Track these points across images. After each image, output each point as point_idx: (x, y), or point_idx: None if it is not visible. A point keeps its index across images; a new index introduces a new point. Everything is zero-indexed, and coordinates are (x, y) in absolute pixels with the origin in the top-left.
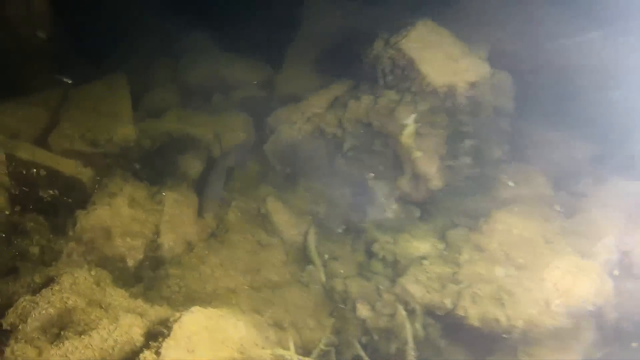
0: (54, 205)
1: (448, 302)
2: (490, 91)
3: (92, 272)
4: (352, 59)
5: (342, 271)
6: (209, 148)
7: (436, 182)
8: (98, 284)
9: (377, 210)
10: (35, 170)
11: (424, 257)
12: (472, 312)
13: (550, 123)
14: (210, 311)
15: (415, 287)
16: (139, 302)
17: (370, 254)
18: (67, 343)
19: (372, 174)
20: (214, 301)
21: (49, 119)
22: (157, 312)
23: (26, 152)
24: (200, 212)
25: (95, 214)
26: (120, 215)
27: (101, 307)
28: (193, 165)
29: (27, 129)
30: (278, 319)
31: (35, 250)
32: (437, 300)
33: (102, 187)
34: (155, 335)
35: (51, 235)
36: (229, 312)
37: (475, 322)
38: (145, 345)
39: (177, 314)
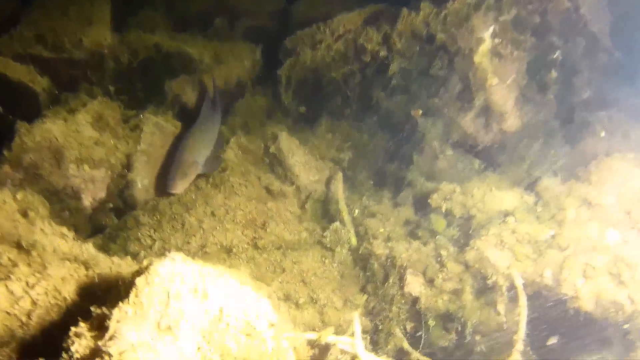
0: None
1: (548, 276)
2: (592, 9)
3: (18, 196)
4: None
5: (382, 230)
6: (204, 77)
7: (512, 122)
8: (24, 214)
9: (425, 157)
10: None
11: (509, 213)
12: (585, 292)
13: None
14: (200, 265)
15: (498, 253)
16: (87, 247)
17: (423, 210)
18: None
19: (421, 110)
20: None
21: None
22: (113, 264)
23: None
24: (169, 181)
25: (43, 127)
26: (78, 135)
27: (21, 248)
28: (185, 92)
29: None
30: (290, 292)
31: None
32: (532, 272)
33: (60, 104)
34: (103, 297)
35: None
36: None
37: (589, 306)
38: (83, 313)
39: (144, 263)
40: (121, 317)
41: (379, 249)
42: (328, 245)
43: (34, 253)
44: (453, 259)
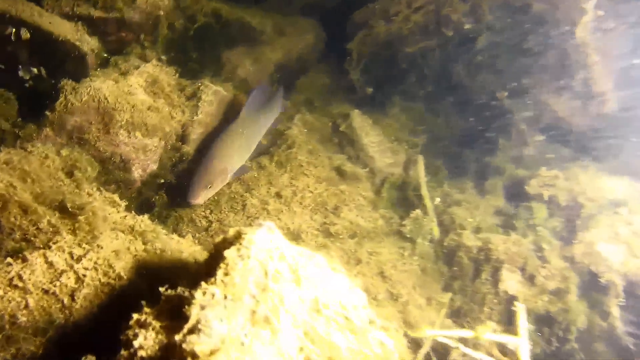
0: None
1: None
2: None
3: (63, 152)
4: None
5: (470, 220)
6: (264, 49)
7: (611, 105)
8: (69, 173)
9: (513, 143)
10: (13, 29)
11: (620, 203)
12: None
13: None
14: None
15: (612, 248)
16: (143, 219)
17: (517, 198)
18: None
19: (505, 92)
20: None
21: None
22: (176, 241)
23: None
24: (190, 189)
25: (91, 86)
26: (131, 98)
27: (65, 211)
28: (243, 65)
29: None
30: (367, 286)
31: None
32: None
33: (110, 66)
34: (170, 278)
35: (19, 119)
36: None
37: None
38: (144, 296)
39: (231, 232)
40: (206, 302)
41: (469, 240)
42: (408, 236)
43: (80, 218)
44: (557, 254)
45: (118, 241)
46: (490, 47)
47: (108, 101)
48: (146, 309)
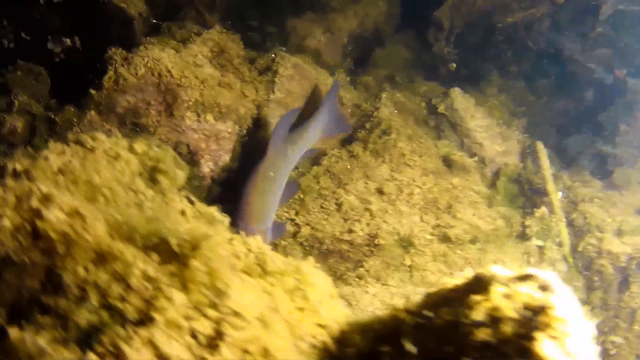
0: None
1: None
2: None
3: (139, 148)
4: None
5: (609, 220)
6: (336, 17)
7: None
8: (152, 181)
9: (636, 128)
10: None
11: None
12: None
13: None
14: None
15: None
16: (270, 253)
17: None
18: None
19: (624, 70)
20: None
21: None
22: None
23: None
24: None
25: (150, 55)
26: (198, 71)
27: (165, 253)
28: (313, 35)
29: None
30: None
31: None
32: None
33: (162, 34)
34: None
35: (52, 100)
36: None
37: None
38: None
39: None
40: None
41: (613, 245)
42: (533, 239)
43: (194, 263)
44: None
45: (253, 296)
46: (614, 16)
47: (172, 75)
48: None
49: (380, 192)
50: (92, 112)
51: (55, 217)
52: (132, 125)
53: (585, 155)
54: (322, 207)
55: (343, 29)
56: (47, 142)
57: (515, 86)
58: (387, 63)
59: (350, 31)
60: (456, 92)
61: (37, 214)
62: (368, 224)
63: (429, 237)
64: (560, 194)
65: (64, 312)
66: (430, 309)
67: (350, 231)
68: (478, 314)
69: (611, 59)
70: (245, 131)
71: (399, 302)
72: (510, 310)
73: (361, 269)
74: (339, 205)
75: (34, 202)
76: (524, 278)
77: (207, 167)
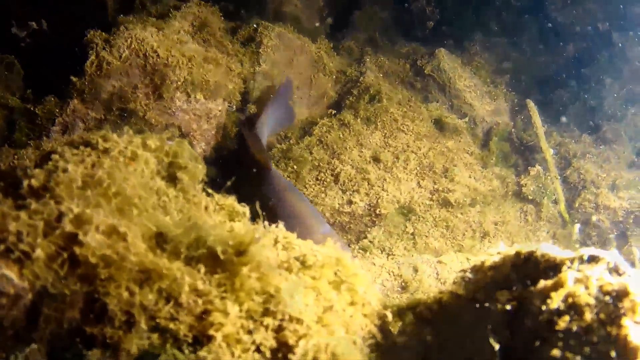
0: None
1: None
2: None
3: (152, 144)
4: None
5: (604, 176)
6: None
7: None
8: (172, 178)
9: (623, 81)
10: None
11: None
12: None
13: None
14: None
15: None
16: (310, 247)
17: None
18: None
19: (607, 23)
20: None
21: None
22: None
23: None
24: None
25: (132, 36)
26: (184, 48)
27: (210, 262)
28: (289, 1)
29: None
30: None
31: None
32: None
33: (135, 11)
34: None
35: (28, 91)
36: None
37: None
38: None
39: None
40: None
41: (610, 200)
42: (530, 197)
43: (245, 271)
44: None
45: (304, 296)
46: None
47: (159, 55)
48: None
49: (376, 159)
50: (75, 101)
51: (94, 240)
52: (120, 112)
53: (571, 109)
54: (317, 179)
55: None
56: (28, 136)
57: (499, 43)
58: (366, 25)
59: None
60: (442, 53)
61: (73, 239)
62: (367, 194)
63: (428, 202)
64: (551, 151)
65: (112, 340)
66: (483, 293)
67: (350, 202)
68: (554, 302)
69: (595, 13)
70: (235, 107)
71: (445, 287)
72: (587, 296)
73: (365, 240)
74: (336, 176)
75: (68, 227)
76: (591, 260)
77: (199, 148)
